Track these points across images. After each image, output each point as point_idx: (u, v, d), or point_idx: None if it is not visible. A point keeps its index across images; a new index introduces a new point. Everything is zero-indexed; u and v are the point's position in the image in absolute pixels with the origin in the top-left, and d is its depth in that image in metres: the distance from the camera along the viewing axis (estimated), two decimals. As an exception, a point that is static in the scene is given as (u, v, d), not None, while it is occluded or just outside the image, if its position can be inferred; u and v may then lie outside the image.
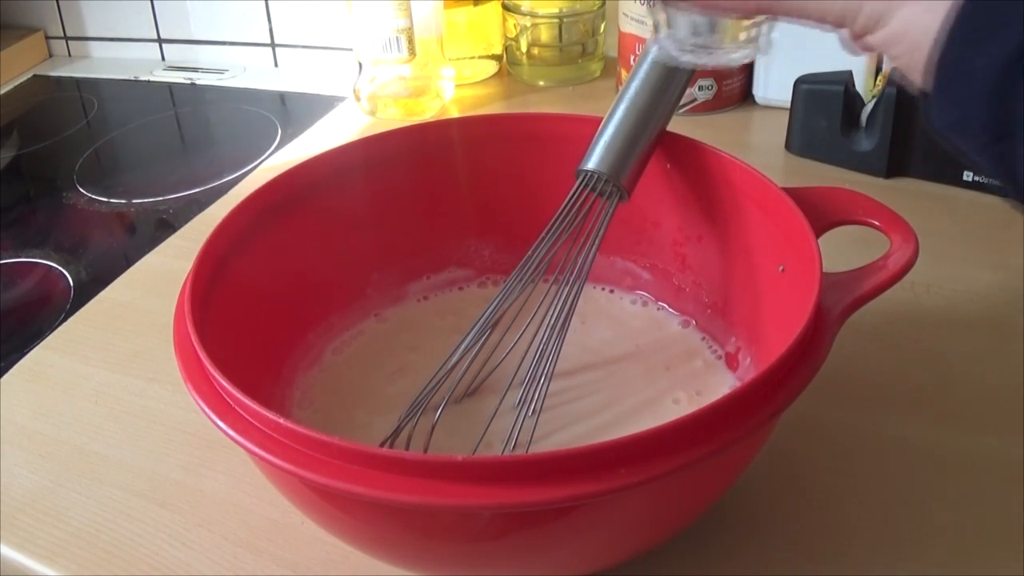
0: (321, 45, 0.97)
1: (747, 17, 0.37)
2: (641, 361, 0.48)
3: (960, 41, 0.26)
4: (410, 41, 0.78)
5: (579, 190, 0.45)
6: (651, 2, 0.39)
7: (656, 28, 0.39)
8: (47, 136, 0.93)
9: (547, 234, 0.45)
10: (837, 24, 0.31)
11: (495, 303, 0.44)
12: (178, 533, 0.44)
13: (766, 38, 0.39)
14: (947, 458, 0.45)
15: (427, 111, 0.82)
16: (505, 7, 0.85)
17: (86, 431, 0.51)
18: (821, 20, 0.31)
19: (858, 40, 0.31)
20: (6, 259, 0.72)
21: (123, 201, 0.79)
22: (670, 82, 0.44)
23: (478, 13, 0.86)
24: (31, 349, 0.58)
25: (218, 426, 0.35)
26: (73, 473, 0.48)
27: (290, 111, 0.92)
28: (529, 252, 0.45)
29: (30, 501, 0.47)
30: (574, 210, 0.45)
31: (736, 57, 0.39)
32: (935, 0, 0.27)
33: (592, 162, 0.45)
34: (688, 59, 0.39)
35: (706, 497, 0.39)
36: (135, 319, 0.60)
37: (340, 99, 0.89)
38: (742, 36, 0.39)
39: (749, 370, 0.46)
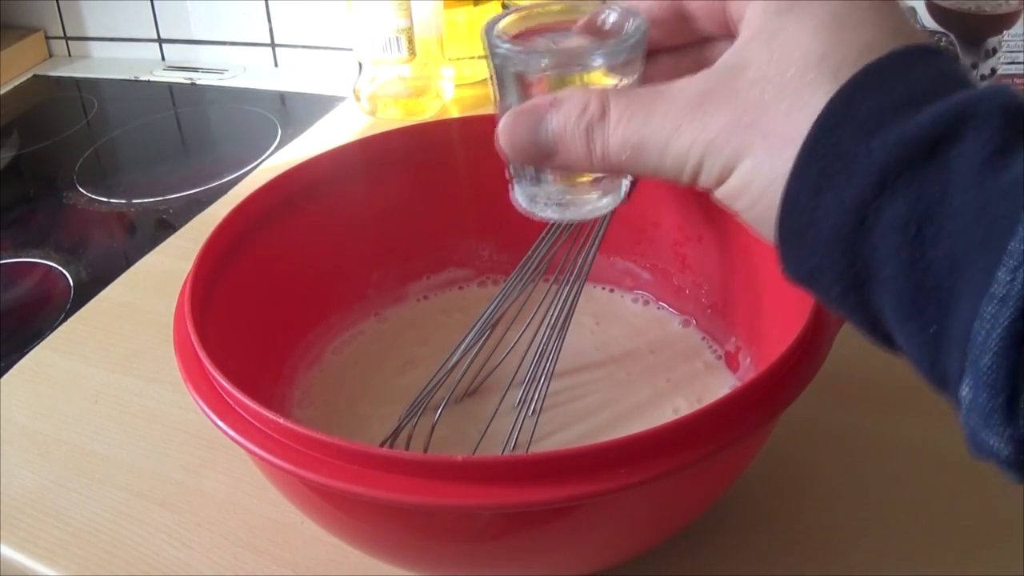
0: (321, 45, 0.97)
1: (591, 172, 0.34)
2: (641, 360, 0.48)
3: (800, 196, 0.24)
4: (410, 41, 0.78)
5: None
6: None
7: (509, 179, 0.36)
8: (47, 136, 0.94)
9: (547, 233, 0.45)
10: (676, 180, 0.28)
11: (495, 303, 0.44)
12: (178, 533, 0.44)
13: (625, 187, 0.36)
14: (947, 458, 0.45)
15: (427, 111, 0.82)
16: (505, 7, 0.85)
17: (86, 431, 0.51)
18: (656, 176, 0.29)
19: (711, 195, 0.28)
20: (6, 259, 0.72)
21: (123, 201, 0.79)
22: None
23: (478, 13, 0.85)
24: (31, 349, 0.58)
25: (218, 426, 0.35)
26: (73, 473, 0.48)
27: (290, 111, 0.92)
28: (529, 251, 0.45)
29: (30, 501, 0.47)
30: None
31: (596, 208, 0.36)
32: (781, 146, 0.25)
33: None
34: (546, 215, 0.35)
35: (706, 497, 0.39)
36: (135, 319, 0.60)
37: (340, 99, 0.89)
38: (594, 194, 0.35)
39: (749, 370, 0.46)
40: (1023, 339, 0.20)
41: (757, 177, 0.26)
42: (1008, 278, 0.20)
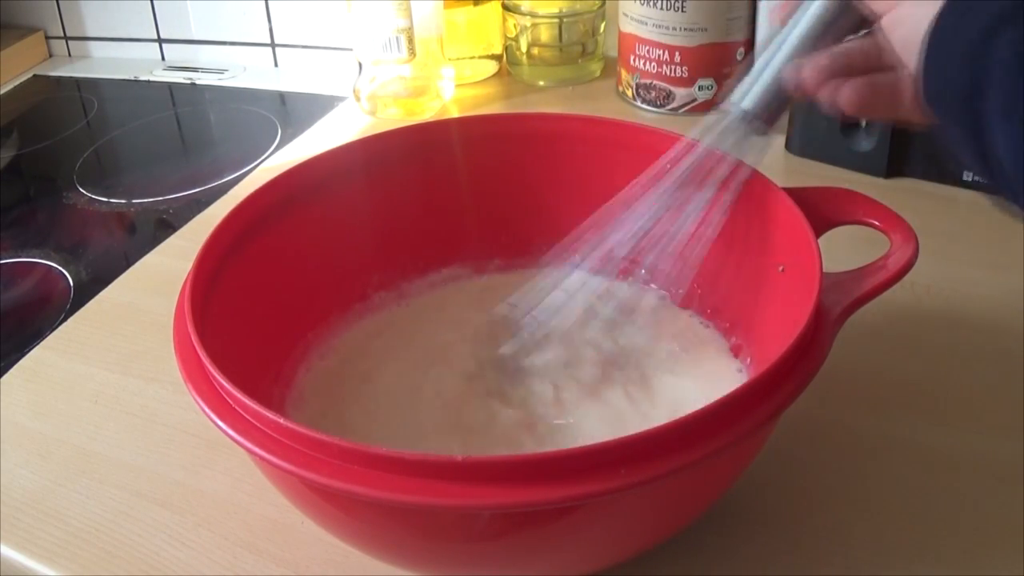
0: (321, 45, 0.97)
1: None
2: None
3: (945, 21, 0.32)
4: (410, 41, 0.78)
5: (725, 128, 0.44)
6: None
7: None
8: (47, 136, 0.93)
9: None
10: None
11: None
12: (178, 533, 0.44)
13: None
14: (947, 458, 0.45)
15: (427, 111, 0.82)
16: (505, 7, 0.85)
17: (86, 431, 0.51)
18: None
19: (875, 21, 0.37)
20: (6, 259, 0.72)
21: (123, 201, 0.79)
22: (833, 26, 0.42)
23: (478, 13, 0.85)
24: (31, 349, 0.58)
25: (218, 426, 0.35)
26: (73, 473, 0.48)
27: (290, 111, 0.92)
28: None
29: (30, 501, 0.47)
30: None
31: None
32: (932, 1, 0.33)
33: (750, 101, 0.44)
34: None
35: (706, 497, 0.39)
36: (135, 319, 0.60)
37: (340, 99, 0.89)
38: None
39: (749, 370, 0.46)
40: None
41: (914, 14, 0.34)
42: None
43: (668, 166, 0.45)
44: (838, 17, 0.41)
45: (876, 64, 0.39)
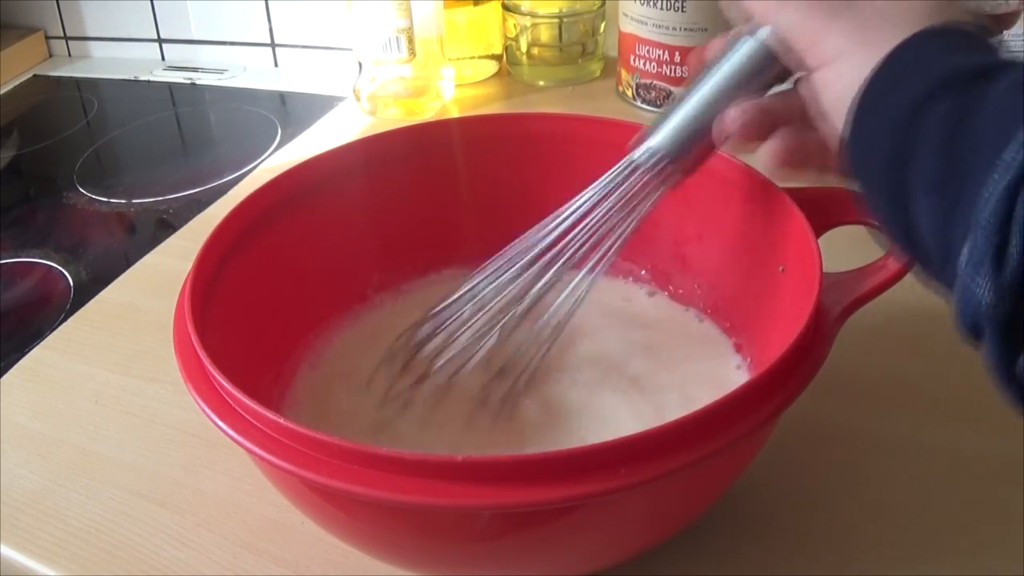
0: (321, 45, 0.97)
1: None
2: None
3: (875, 89, 0.32)
4: (410, 41, 0.78)
5: (631, 168, 0.43)
6: None
7: None
8: (47, 136, 0.93)
9: (577, 205, 0.43)
10: (800, 46, 0.36)
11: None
12: (178, 533, 0.44)
13: None
14: (947, 458, 0.45)
15: (427, 111, 0.82)
16: (505, 7, 0.85)
17: (86, 431, 0.51)
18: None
19: (805, 71, 0.36)
20: (6, 259, 0.72)
21: (123, 201, 0.79)
22: (762, 72, 0.40)
23: (478, 13, 0.85)
24: (31, 349, 0.58)
25: (218, 426, 0.35)
26: (73, 473, 0.48)
27: (290, 111, 0.92)
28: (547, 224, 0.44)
29: (30, 501, 0.47)
30: (619, 185, 0.43)
31: None
32: (872, 55, 0.32)
33: (658, 140, 0.42)
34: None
35: (706, 497, 0.39)
36: (135, 319, 0.60)
37: (340, 99, 0.89)
38: None
39: (749, 370, 0.46)
40: (1017, 193, 0.25)
41: (845, 77, 0.33)
42: (1012, 155, 0.26)
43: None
44: (768, 63, 0.39)
45: (800, 118, 0.38)
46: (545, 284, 0.44)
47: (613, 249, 0.43)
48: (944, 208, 0.29)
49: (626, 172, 0.43)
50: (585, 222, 0.43)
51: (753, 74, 0.40)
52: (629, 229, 0.43)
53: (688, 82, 0.42)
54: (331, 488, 0.32)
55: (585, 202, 0.43)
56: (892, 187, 0.31)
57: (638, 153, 0.42)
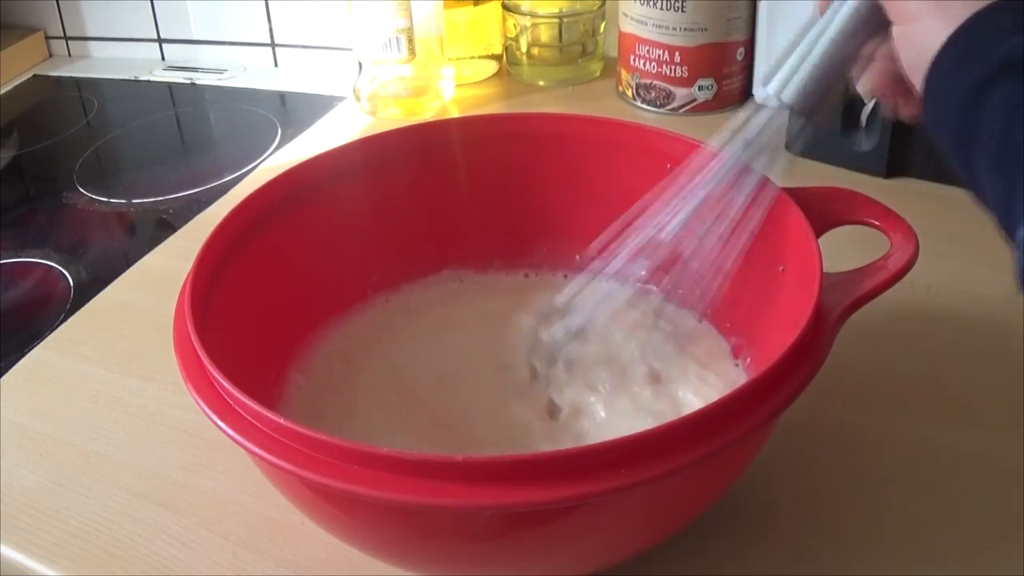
0: (321, 45, 0.97)
1: None
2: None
3: (946, 63, 0.33)
4: (410, 41, 0.78)
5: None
6: None
7: None
8: (47, 136, 0.94)
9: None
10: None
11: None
12: (178, 533, 0.44)
13: None
14: (947, 458, 0.45)
15: (427, 111, 0.82)
16: (505, 7, 0.85)
17: (86, 431, 0.51)
18: None
19: (886, 28, 0.37)
20: (6, 259, 0.72)
21: (123, 201, 0.79)
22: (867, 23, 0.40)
23: (478, 13, 0.85)
24: (31, 349, 0.58)
25: (218, 426, 0.35)
26: (73, 473, 0.48)
27: (290, 111, 0.92)
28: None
29: (30, 501, 0.47)
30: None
31: None
32: (945, 24, 0.33)
33: (789, 92, 0.42)
34: None
35: (706, 497, 0.39)
36: (135, 319, 0.60)
37: (340, 99, 0.89)
38: None
39: (749, 370, 0.46)
40: None
41: (923, 38, 0.34)
42: None
43: (695, 175, 0.44)
44: (872, 14, 0.40)
45: None
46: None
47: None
48: (1004, 191, 0.30)
49: (757, 128, 0.43)
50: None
51: (863, 24, 0.40)
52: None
53: (799, 36, 0.42)
54: (331, 488, 0.32)
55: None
56: (961, 158, 0.33)
57: (767, 109, 0.43)
